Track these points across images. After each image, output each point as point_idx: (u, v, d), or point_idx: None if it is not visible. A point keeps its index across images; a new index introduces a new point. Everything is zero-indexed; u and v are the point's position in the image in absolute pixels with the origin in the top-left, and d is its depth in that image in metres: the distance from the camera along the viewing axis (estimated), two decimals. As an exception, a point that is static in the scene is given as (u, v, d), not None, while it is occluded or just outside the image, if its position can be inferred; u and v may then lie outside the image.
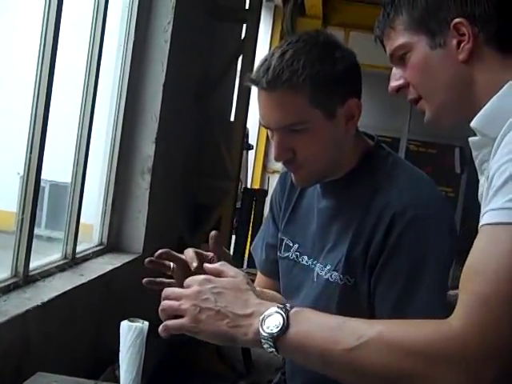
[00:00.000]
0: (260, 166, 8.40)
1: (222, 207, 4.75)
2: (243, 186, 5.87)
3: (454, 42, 1.14)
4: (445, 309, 1.39)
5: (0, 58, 4.36)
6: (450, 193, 9.58)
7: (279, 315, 1.05)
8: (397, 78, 1.23)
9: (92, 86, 3.16)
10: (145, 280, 1.45)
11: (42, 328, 2.55)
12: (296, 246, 1.60)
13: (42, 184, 2.92)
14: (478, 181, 1.18)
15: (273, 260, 1.68)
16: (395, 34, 1.20)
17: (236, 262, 5.31)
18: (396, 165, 1.51)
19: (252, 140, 6.98)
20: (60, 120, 3.09)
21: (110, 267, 3.32)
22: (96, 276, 3.11)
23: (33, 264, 2.78)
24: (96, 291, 3.10)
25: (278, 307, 1.06)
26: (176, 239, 4.40)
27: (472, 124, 1.13)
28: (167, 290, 1.15)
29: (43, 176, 2.75)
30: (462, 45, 1.14)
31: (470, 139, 1.16)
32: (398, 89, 1.23)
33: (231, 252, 5.00)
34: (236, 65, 4.94)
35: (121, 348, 1.39)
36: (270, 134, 1.48)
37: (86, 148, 3.19)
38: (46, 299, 2.55)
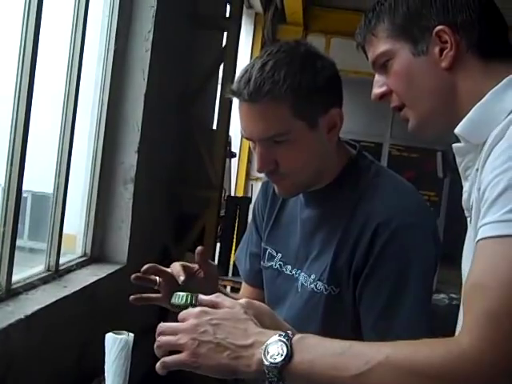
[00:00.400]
0: (243, 174, 8.41)
1: (206, 216, 4.74)
2: (227, 193, 5.86)
3: (437, 49, 1.14)
4: (430, 316, 1.40)
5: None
6: (433, 197, 9.63)
7: (282, 343, 1.02)
8: (380, 85, 1.22)
9: (73, 96, 3.14)
10: (131, 298, 1.45)
11: (26, 342, 2.52)
12: (279, 255, 1.60)
13: (24, 195, 2.89)
14: (461, 185, 1.18)
15: (257, 270, 1.67)
16: (377, 41, 1.20)
17: (221, 270, 5.28)
18: (378, 174, 1.50)
19: (235, 148, 6.99)
20: (42, 130, 3.07)
21: (94, 278, 3.29)
22: (80, 288, 3.08)
23: (16, 277, 2.75)
24: (80, 303, 3.07)
25: (280, 335, 1.03)
26: (160, 249, 4.38)
27: (456, 131, 1.13)
28: (162, 326, 1.11)
29: (25, 187, 2.73)
30: (445, 52, 1.14)
31: (454, 145, 1.16)
32: (381, 96, 1.23)
33: (216, 260, 4.99)
34: (217, 73, 4.94)
35: (106, 360, 1.38)
36: (252, 145, 1.47)
37: (67, 158, 3.16)
38: (29, 312, 2.52)
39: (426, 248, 1.41)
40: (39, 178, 3.48)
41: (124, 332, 1.39)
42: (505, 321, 0.91)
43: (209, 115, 5.22)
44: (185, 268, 1.41)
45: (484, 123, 1.07)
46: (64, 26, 3.15)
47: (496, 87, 1.10)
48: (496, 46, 1.15)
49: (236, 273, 4.68)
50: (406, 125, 1.22)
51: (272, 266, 1.61)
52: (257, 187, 7.81)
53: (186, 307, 1.20)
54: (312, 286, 1.48)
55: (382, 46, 1.19)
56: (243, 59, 6.62)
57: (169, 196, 4.52)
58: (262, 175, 1.48)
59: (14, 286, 2.73)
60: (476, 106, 1.10)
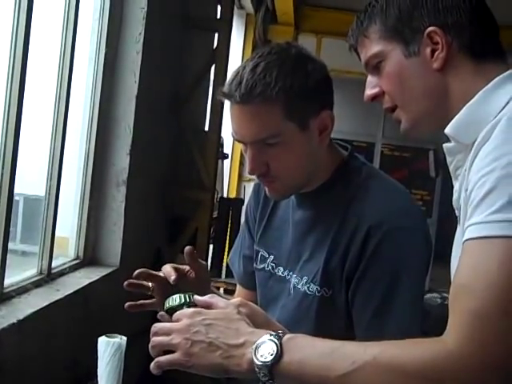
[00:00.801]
0: (236, 175, 8.40)
1: (199, 217, 4.74)
2: (219, 195, 5.86)
3: (428, 50, 1.15)
4: (422, 317, 1.41)
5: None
6: (425, 196, 9.66)
7: (272, 343, 1.03)
8: (372, 86, 1.23)
9: (64, 99, 3.13)
10: (127, 305, 1.46)
11: (18, 346, 2.51)
12: (271, 257, 1.60)
13: (16, 198, 2.88)
14: (452, 185, 1.18)
15: (250, 272, 1.68)
16: (369, 43, 1.20)
17: (214, 272, 5.27)
18: (370, 175, 1.51)
19: (227, 149, 6.98)
20: (33, 133, 3.06)
21: (87, 281, 3.28)
22: (73, 291, 3.07)
23: (8, 280, 2.74)
24: (73, 306, 3.06)
25: (271, 335, 1.05)
26: (153, 251, 4.38)
27: (446, 131, 1.13)
28: (156, 326, 1.13)
29: (18, 190, 2.72)
30: (436, 53, 1.14)
31: (445, 145, 1.16)
32: (374, 97, 1.23)
33: (209, 261, 4.99)
34: (209, 74, 4.94)
35: (99, 364, 1.38)
36: (243, 147, 1.47)
37: (59, 161, 3.15)
38: (21, 317, 2.51)
39: (417, 250, 1.42)
40: (31, 181, 3.48)
41: (117, 335, 1.39)
42: (489, 321, 0.92)
43: (201, 117, 5.22)
44: (176, 269, 1.41)
45: (473, 123, 1.08)
46: (54, 29, 3.14)
47: (486, 87, 1.10)
48: (487, 46, 1.15)
49: (229, 274, 4.68)
50: (398, 124, 1.23)
51: (264, 267, 1.61)
52: (249, 188, 7.81)
53: (181, 307, 1.21)
54: (304, 288, 1.49)
55: (374, 47, 1.20)
56: (235, 60, 6.62)
57: (161, 198, 4.52)
58: (254, 176, 1.49)
59: (6, 290, 2.71)
60: (465, 107, 1.11)
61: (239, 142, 1.47)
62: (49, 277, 3.13)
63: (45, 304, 2.75)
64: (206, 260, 4.84)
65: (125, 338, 1.38)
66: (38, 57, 2.83)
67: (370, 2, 1.22)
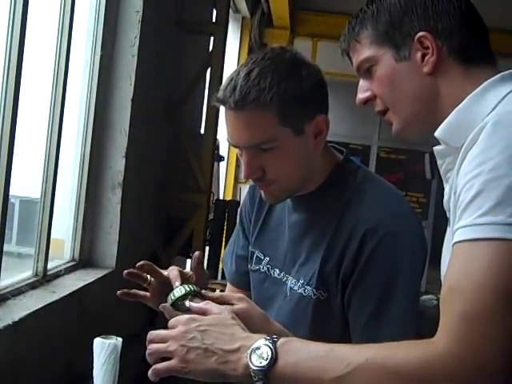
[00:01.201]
0: (232, 177, 8.39)
1: (195, 220, 4.75)
2: (215, 197, 5.86)
3: (419, 54, 1.17)
4: (418, 319, 1.42)
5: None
6: (421, 198, 9.66)
7: (267, 347, 1.04)
8: (364, 90, 1.24)
9: (59, 102, 3.14)
10: (119, 292, 1.46)
11: (14, 347, 2.52)
12: (267, 259, 1.61)
13: (12, 200, 2.88)
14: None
15: (243, 272, 1.68)
16: (361, 47, 1.22)
17: (210, 273, 5.27)
18: (365, 179, 1.51)
19: (223, 151, 6.98)
20: (29, 135, 3.06)
21: (83, 283, 3.29)
22: (68, 293, 3.07)
23: (3, 282, 2.75)
24: (69, 308, 3.07)
25: (266, 339, 1.06)
26: (149, 253, 4.38)
27: (436, 134, 1.15)
28: (152, 334, 1.14)
29: (14, 192, 2.72)
30: (427, 58, 1.16)
31: (435, 148, 1.18)
32: (366, 101, 1.25)
33: (205, 264, 4.99)
34: (204, 77, 4.95)
35: (95, 365, 1.38)
36: (238, 152, 1.48)
37: (55, 163, 3.16)
38: (17, 318, 2.52)
39: (413, 254, 1.43)
40: (27, 184, 3.48)
41: (112, 336, 1.39)
42: (479, 323, 0.93)
43: (196, 119, 5.23)
44: (181, 274, 1.42)
45: (462, 127, 1.09)
46: (50, 33, 3.15)
47: (474, 92, 1.12)
48: (476, 51, 1.17)
49: (225, 276, 4.68)
50: (390, 127, 1.24)
51: (259, 269, 1.62)
52: (245, 190, 7.81)
53: (186, 297, 1.26)
54: (300, 290, 1.49)
55: (365, 51, 1.21)
56: (230, 63, 6.63)
57: (157, 200, 4.52)
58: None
59: (2, 292, 2.72)
60: (455, 110, 1.12)
61: (234, 146, 1.47)
62: (44, 279, 3.13)
63: (40, 306, 2.76)
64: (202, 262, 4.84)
65: (120, 340, 1.39)
66: (33, 60, 2.84)
67: (361, 7, 1.24)
